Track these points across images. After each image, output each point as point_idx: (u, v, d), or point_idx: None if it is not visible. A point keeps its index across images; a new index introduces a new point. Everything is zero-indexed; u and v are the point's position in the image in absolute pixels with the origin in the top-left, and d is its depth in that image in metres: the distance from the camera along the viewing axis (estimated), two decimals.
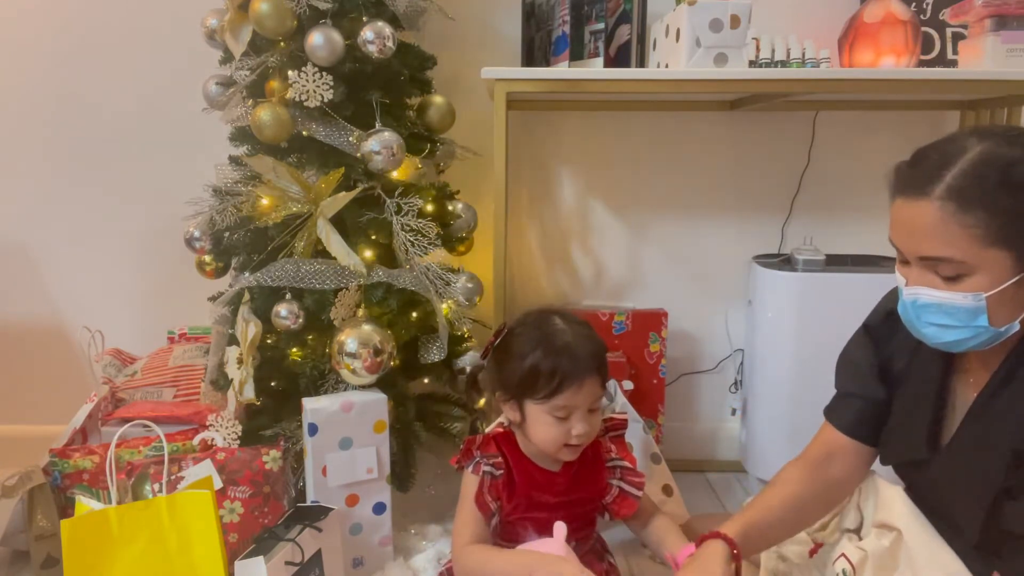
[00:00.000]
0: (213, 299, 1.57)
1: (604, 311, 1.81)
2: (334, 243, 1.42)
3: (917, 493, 1.06)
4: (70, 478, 1.41)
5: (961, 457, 0.98)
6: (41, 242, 1.97)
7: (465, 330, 1.60)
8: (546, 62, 1.73)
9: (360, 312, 1.44)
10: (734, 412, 1.97)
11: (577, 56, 1.68)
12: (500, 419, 1.30)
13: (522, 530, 1.22)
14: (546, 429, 1.17)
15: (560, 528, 1.13)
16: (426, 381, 1.63)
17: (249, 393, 1.44)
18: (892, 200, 0.93)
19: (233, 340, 1.49)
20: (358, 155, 1.44)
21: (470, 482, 1.23)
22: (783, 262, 1.75)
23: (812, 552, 1.18)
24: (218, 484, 1.31)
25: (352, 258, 1.42)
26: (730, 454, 1.99)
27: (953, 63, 1.71)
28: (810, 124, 1.87)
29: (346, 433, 1.36)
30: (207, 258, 1.60)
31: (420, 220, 1.46)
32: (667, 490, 1.63)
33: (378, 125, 1.45)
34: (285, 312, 1.43)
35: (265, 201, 1.46)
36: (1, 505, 1.39)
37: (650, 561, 1.47)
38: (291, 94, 1.39)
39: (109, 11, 1.86)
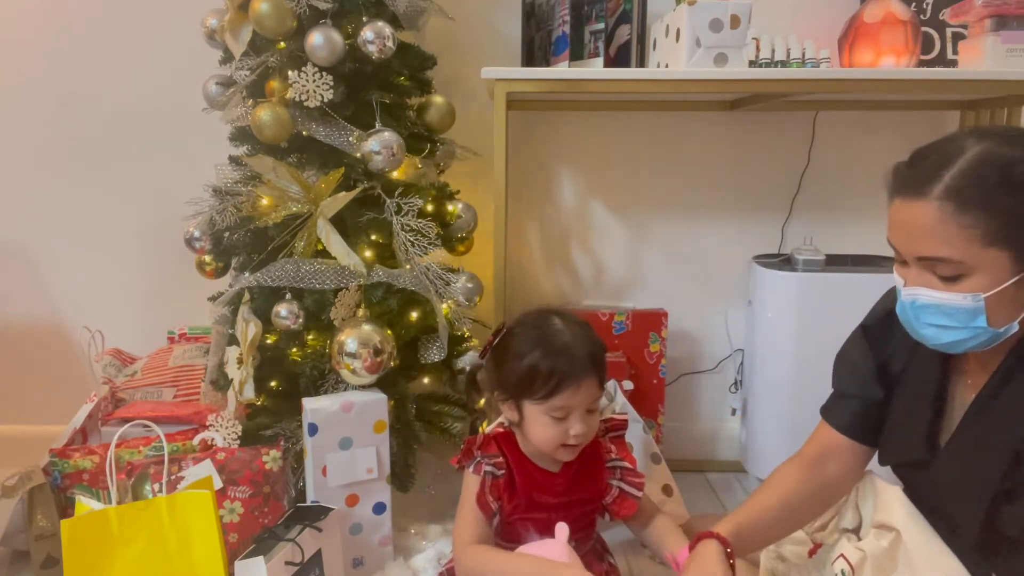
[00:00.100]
0: (213, 299, 1.57)
1: (604, 311, 1.81)
2: (334, 243, 1.42)
3: (915, 494, 1.06)
4: (70, 478, 1.41)
5: (960, 458, 0.98)
6: (41, 242, 1.97)
7: (465, 330, 1.60)
8: (546, 62, 1.73)
9: (360, 312, 1.44)
10: (734, 412, 1.97)
11: (577, 56, 1.68)
12: (500, 419, 1.30)
13: (523, 530, 1.22)
14: (544, 429, 1.17)
15: (562, 529, 1.12)
16: (426, 381, 1.63)
17: (249, 393, 1.44)
18: (890, 201, 0.93)
19: (233, 340, 1.49)
20: (358, 155, 1.44)
21: (471, 482, 1.23)
22: (783, 262, 1.75)
23: (811, 552, 1.18)
24: (218, 484, 1.31)
25: (352, 258, 1.42)
26: (730, 454, 1.99)
27: (953, 63, 1.71)
28: (810, 124, 1.87)
29: (346, 433, 1.36)
30: (207, 258, 1.60)
31: (420, 220, 1.46)
32: (667, 490, 1.63)
33: (378, 125, 1.45)
34: (285, 312, 1.43)
35: (265, 201, 1.46)
36: (1, 505, 1.39)
37: (650, 561, 1.47)
38: (291, 94, 1.39)
39: (109, 11, 1.86)
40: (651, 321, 1.81)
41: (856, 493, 1.14)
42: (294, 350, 1.50)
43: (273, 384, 1.53)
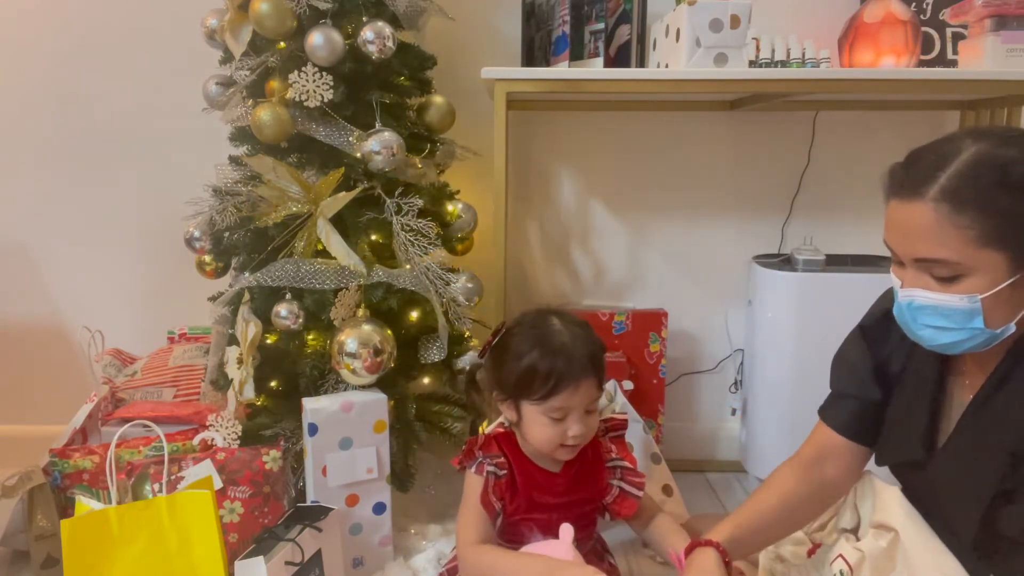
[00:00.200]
0: (213, 299, 1.57)
1: (604, 311, 1.81)
2: (334, 243, 1.42)
3: (913, 494, 1.06)
4: (70, 478, 1.41)
5: (957, 459, 0.98)
6: (41, 242, 1.97)
7: (465, 330, 1.60)
8: (546, 62, 1.73)
9: (360, 312, 1.44)
10: (734, 412, 1.97)
11: (577, 56, 1.68)
12: (500, 419, 1.30)
13: (525, 530, 1.22)
14: (542, 430, 1.17)
15: (567, 530, 1.12)
16: (426, 381, 1.63)
17: (249, 393, 1.44)
18: (887, 202, 0.93)
19: (233, 340, 1.49)
20: (358, 155, 1.44)
21: (474, 482, 1.22)
22: (783, 262, 1.75)
23: (810, 552, 1.18)
24: (218, 484, 1.31)
25: (352, 258, 1.42)
26: (730, 454, 1.99)
27: (953, 63, 1.71)
28: (810, 124, 1.87)
29: (346, 433, 1.36)
30: (207, 258, 1.60)
31: (420, 220, 1.46)
32: (667, 490, 1.63)
33: (378, 125, 1.45)
34: (285, 312, 1.43)
35: (265, 201, 1.46)
36: (1, 505, 1.39)
37: (650, 561, 1.47)
38: (291, 94, 1.39)
39: (109, 11, 1.87)
40: (651, 321, 1.81)
41: (854, 493, 1.14)
42: (294, 350, 1.50)
43: (273, 384, 1.53)
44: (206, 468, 1.32)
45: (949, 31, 1.71)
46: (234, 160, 1.60)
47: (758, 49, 1.70)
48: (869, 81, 1.50)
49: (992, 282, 0.85)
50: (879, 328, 1.09)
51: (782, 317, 1.69)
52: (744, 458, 1.88)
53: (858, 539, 1.09)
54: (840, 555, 1.06)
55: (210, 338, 1.66)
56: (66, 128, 1.92)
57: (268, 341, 1.50)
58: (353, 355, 1.37)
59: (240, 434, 1.42)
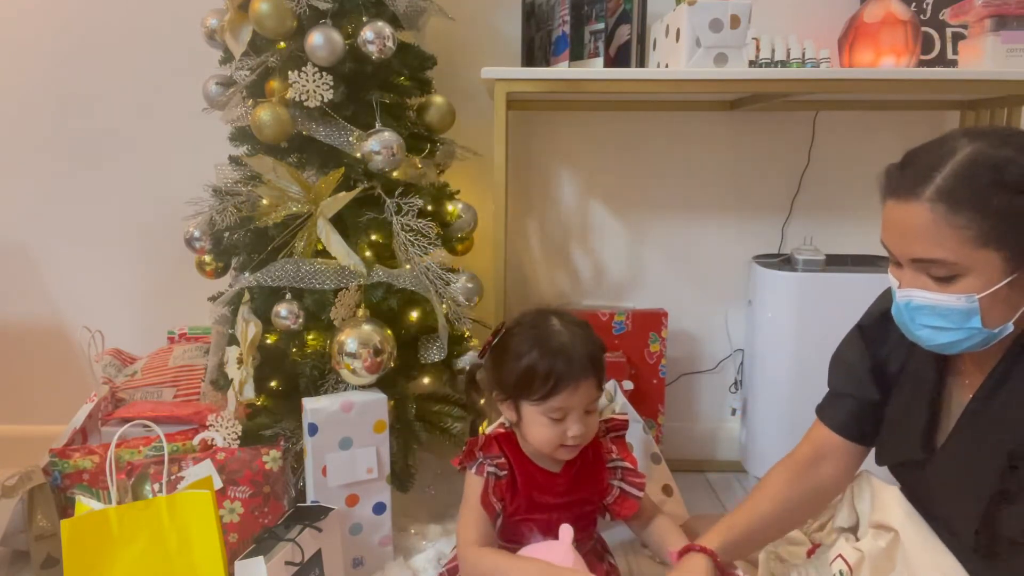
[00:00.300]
0: (213, 299, 1.57)
1: (604, 311, 1.81)
2: (334, 243, 1.42)
3: (913, 494, 1.06)
4: (70, 478, 1.41)
5: (956, 459, 0.98)
6: (41, 242, 1.97)
7: (465, 330, 1.60)
8: (546, 62, 1.73)
9: (360, 312, 1.44)
10: (734, 412, 1.97)
11: (577, 56, 1.68)
12: (501, 419, 1.30)
13: (525, 531, 1.22)
14: (541, 430, 1.17)
15: (567, 531, 1.12)
16: (426, 381, 1.63)
17: (249, 393, 1.44)
18: (883, 202, 0.93)
19: (233, 340, 1.49)
20: (358, 155, 1.44)
21: (474, 483, 1.22)
22: (783, 262, 1.75)
23: (809, 553, 1.18)
24: (218, 484, 1.31)
25: (352, 258, 1.42)
26: (730, 454, 1.99)
27: (953, 63, 1.71)
28: (810, 124, 1.87)
29: (346, 433, 1.36)
30: (207, 258, 1.60)
31: (420, 220, 1.46)
32: (667, 490, 1.63)
33: (378, 125, 1.45)
34: (285, 312, 1.43)
35: (265, 201, 1.46)
36: (1, 505, 1.39)
37: (650, 561, 1.47)
38: (291, 94, 1.39)
39: (109, 11, 1.86)
40: (651, 321, 1.81)
41: (851, 492, 1.14)
42: (294, 350, 1.50)
43: (273, 384, 1.53)
44: (206, 468, 1.32)
45: (949, 31, 1.71)
46: (234, 160, 1.60)
47: (758, 49, 1.70)
48: (869, 81, 1.50)
49: (989, 282, 0.86)
50: (877, 328, 1.09)
51: (782, 317, 1.69)
52: (744, 458, 1.88)
53: (857, 539, 1.09)
54: (839, 555, 1.06)
55: (210, 338, 1.66)
56: (66, 128, 1.92)
57: (268, 341, 1.50)
58: (353, 355, 1.37)
59: (240, 434, 1.42)
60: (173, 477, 1.31)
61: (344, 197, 1.42)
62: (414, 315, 1.55)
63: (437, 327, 1.49)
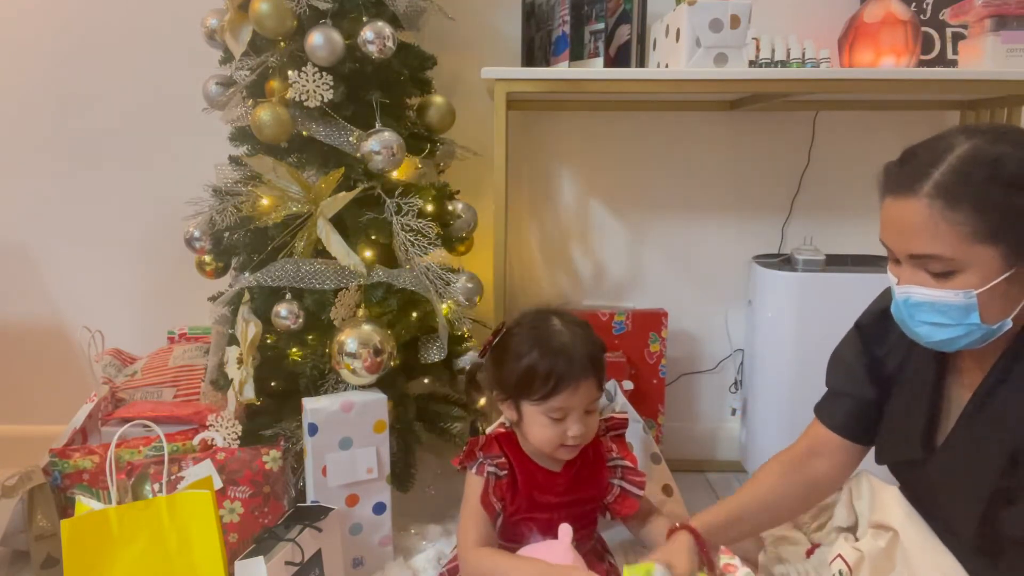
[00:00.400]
0: (213, 299, 1.57)
1: (604, 311, 1.81)
2: (334, 243, 1.42)
3: (912, 493, 1.06)
4: (70, 478, 1.41)
5: (956, 458, 0.98)
6: (41, 242, 1.97)
7: (465, 330, 1.60)
8: (546, 62, 1.73)
9: (360, 312, 1.44)
10: (734, 412, 1.97)
11: (577, 56, 1.68)
12: (501, 419, 1.30)
13: (526, 530, 1.22)
14: (542, 430, 1.17)
15: (566, 531, 1.12)
16: (426, 381, 1.63)
17: (249, 393, 1.44)
18: (881, 200, 0.94)
19: (233, 340, 1.49)
20: (358, 155, 1.44)
21: (474, 483, 1.22)
22: (783, 262, 1.75)
23: (809, 553, 1.18)
24: (218, 484, 1.31)
25: (352, 258, 1.42)
26: (730, 454, 1.99)
27: (953, 63, 1.71)
28: (810, 124, 1.87)
29: (346, 433, 1.36)
30: (207, 258, 1.60)
31: (420, 220, 1.46)
32: (667, 490, 1.63)
33: (378, 125, 1.45)
34: (285, 312, 1.43)
35: (265, 201, 1.46)
36: (1, 505, 1.39)
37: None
38: (291, 94, 1.39)
39: (109, 11, 1.87)
40: (651, 321, 1.81)
41: (850, 492, 1.14)
42: (294, 350, 1.50)
43: (273, 384, 1.53)
44: (206, 468, 1.32)
45: (949, 31, 1.71)
46: (234, 160, 1.60)
47: (758, 49, 1.70)
48: (869, 81, 1.50)
49: (987, 277, 0.86)
50: (876, 326, 1.10)
51: (782, 317, 1.69)
52: (744, 458, 1.88)
53: (857, 539, 1.10)
54: (839, 555, 1.06)
55: (210, 338, 1.66)
56: (66, 128, 1.92)
57: (268, 341, 1.50)
58: (353, 355, 1.37)
59: (240, 434, 1.42)
60: (173, 477, 1.31)
61: (344, 197, 1.42)
62: (414, 315, 1.55)
63: (437, 327, 1.49)
